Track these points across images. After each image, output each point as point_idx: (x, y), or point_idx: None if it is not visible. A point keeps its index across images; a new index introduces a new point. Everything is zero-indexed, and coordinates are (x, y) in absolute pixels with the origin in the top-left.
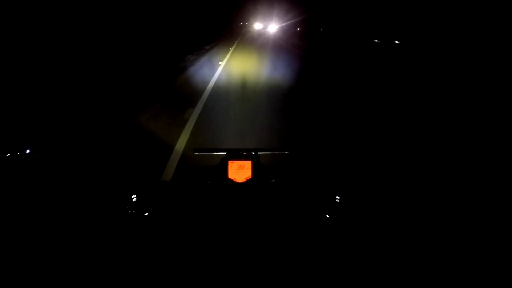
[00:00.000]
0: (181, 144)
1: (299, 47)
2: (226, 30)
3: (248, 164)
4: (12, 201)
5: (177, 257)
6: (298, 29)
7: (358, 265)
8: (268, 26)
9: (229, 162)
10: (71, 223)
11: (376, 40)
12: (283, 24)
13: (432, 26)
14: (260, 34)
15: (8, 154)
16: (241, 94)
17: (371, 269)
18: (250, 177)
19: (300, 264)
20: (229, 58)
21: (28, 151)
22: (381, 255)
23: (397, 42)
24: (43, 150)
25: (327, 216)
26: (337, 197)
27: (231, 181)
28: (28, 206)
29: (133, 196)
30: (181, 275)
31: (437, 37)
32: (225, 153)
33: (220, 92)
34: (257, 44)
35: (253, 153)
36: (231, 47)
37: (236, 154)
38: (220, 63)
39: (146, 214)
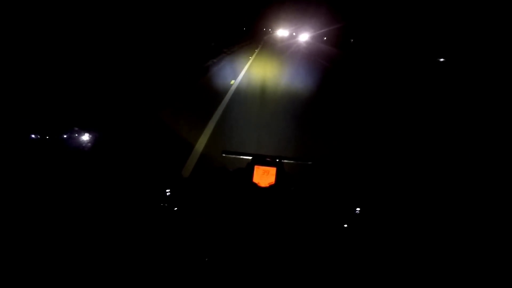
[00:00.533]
0: None
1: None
2: (241, 36)
3: (272, 170)
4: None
5: (198, 252)
6: (325, 38)
7: (371, 275)
8: (299, 35)
9: (255, 167)
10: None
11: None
12: (315, 33)
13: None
14: (288, 46)
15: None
16: None
17: (381, 278)
18: (273, 183)
19: (314, 270)
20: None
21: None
22: (395, 266)
23: (441, 60)
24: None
25: (345, 226)
26: (357, 208)
27: (255, 185)
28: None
29: (167, 191)
30: (199, 271)
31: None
32: (251, 157)
33: None
34: (281, 61)
35: (278, 160)
36: (242, 69)
37: (262, 160)
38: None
39: (176, 208)
